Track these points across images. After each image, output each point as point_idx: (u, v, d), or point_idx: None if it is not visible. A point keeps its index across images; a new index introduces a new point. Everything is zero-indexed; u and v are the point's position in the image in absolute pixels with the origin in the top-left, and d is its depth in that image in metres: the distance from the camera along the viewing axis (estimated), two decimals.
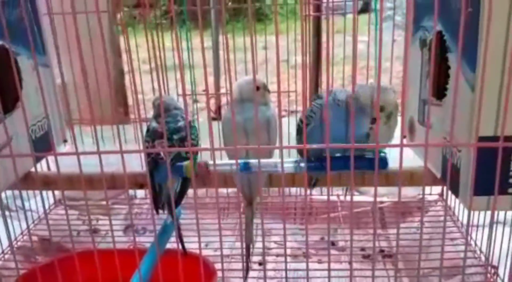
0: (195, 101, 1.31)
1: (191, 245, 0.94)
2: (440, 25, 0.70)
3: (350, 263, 0.82)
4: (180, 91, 1.22)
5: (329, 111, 0.64)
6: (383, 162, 0.72)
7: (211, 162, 0.66)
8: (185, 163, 0.70)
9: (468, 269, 0.91)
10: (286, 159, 0.68)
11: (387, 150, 0.77)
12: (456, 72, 0.51)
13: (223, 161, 0.73)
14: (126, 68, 1.97)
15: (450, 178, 0.64)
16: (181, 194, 0.80)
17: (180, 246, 0.80)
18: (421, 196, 1.21)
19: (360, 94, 0.66)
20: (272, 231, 1.12)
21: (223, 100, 0.79)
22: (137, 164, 1.07)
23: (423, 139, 0.78)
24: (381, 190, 1.17)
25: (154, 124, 0.82)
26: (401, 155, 0.53)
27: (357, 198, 1.21)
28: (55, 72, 0.93)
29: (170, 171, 0.59)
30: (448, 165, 0.62)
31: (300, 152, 0.74)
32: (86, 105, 0.56)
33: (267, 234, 1.10)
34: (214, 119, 1.60)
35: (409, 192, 1.21)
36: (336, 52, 1.01)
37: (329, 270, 0.62)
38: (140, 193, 1.30)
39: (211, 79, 2.62)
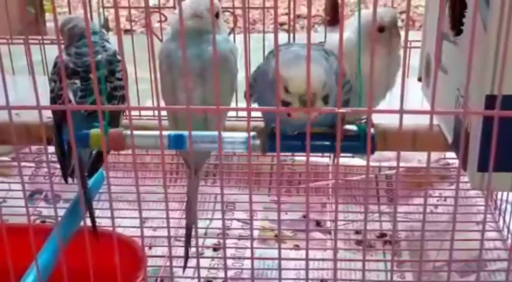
0: None
1: (124, 222, 0.98)
2: None
3: (334, 253, 0.87)
4: None
5: (262, 82, 0.65)
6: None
7: (129, 131, 0.65)
8: (92, 132, 0.70)
9: (492, 263, 0.94)
10: (237, 134, 0.69)
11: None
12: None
13: (146, 132, 0.72)
14: None
15: (459, 146, 0.66)
16: (98, 159, 0.80)
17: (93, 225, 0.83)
18: (444, 161, 1.25)
19: (272, 66, 0.63)
20: (235, 204, 1.16)
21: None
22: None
23: (437, 86, 0.81)
24: (390, 152, 1.20)
25: (64, 56, 0.83)
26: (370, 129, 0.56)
27: (353, 161, 1.23)
28: None
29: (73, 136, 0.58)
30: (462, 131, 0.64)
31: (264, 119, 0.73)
32: None
33: (228, 209, 1.14)
34: None
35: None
36: None
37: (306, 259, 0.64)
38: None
39: None
